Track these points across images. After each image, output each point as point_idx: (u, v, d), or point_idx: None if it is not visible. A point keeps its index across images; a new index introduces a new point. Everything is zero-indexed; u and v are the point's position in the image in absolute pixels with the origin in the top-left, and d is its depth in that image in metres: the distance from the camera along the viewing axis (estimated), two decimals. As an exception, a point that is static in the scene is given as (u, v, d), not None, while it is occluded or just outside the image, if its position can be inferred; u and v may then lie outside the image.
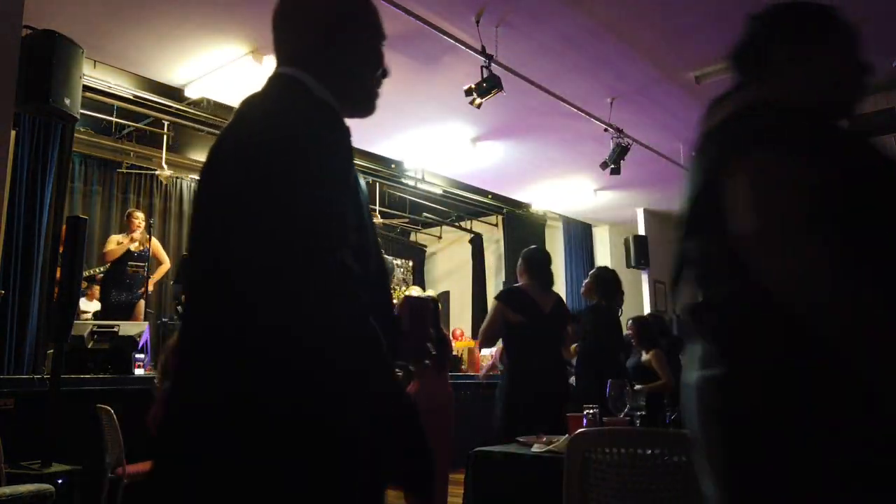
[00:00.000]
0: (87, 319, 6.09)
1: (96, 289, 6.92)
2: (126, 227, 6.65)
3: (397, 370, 4.73)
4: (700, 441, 1.10)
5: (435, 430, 4.30)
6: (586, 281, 4.66)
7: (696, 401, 1.08)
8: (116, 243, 6.46)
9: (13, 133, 4.45)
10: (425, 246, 12.42)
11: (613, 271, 4.71)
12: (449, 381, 4.63)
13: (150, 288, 6.84)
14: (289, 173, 0.99)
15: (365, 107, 1.40)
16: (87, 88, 5.61)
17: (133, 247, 6.50)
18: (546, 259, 3.87)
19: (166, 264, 6.96)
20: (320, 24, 1.24)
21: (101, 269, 6.90)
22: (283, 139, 1.03)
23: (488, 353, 8.77)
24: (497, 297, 3.71)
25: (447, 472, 4.37)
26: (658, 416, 2.62)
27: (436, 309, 4.83)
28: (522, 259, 3.85)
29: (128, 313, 6.31)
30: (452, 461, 4.29)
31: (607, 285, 4.47)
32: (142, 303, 6.52)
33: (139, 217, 6.64)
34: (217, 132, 6.58)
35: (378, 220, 9.78)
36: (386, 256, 10.38)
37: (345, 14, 1.27)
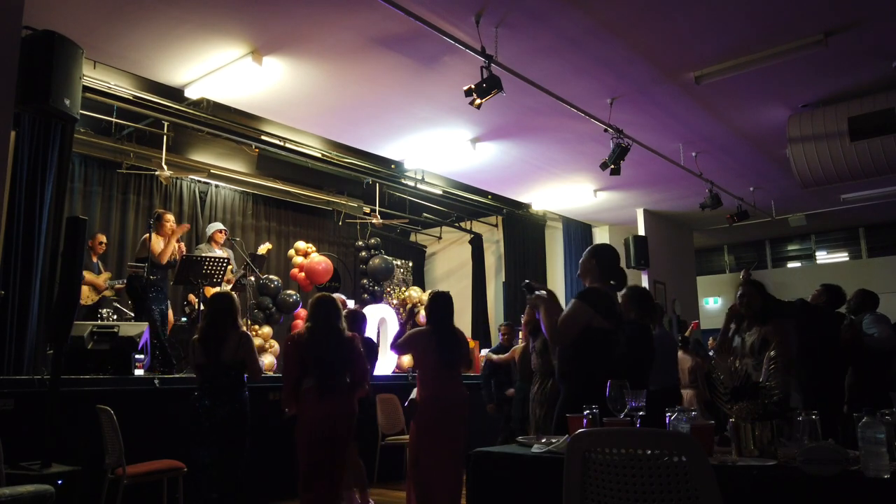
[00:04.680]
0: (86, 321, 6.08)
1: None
2: (156, 228, 6.34)
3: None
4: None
5: (450, 430, 4.28)
6: (622, 300, 4.18)
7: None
8: (164, 244, 6.31)
9: (13, 133, 4.45)
10: (425, 246, 12.43)
11: (644, 289, 4.47)
12: (462, 380, 4.61)
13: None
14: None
15: None
16: (86, 89, 5.62)
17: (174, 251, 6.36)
18: (617, 256, 3.51)
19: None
20: None
21: (120, 281, 6.85)
22: None
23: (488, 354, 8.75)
24: (583, 299, 3.25)
25: (462, 472, 4.29)
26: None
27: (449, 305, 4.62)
28: (591, 256, 3.43)
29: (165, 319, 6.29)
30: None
31: (643, 302, 4.26)
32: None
33: (171, 219, 6.51)
34: (217, 133, 6.63)
35: (378, 220, 9.80)
36: (386, 257, 10.35)
37: None
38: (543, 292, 3.38)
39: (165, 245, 6.29)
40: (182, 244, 6.58)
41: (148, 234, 6.30)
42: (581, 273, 3.46)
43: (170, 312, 6.48)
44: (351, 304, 8.81)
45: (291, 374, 3.97)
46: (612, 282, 3.38)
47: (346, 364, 4.04)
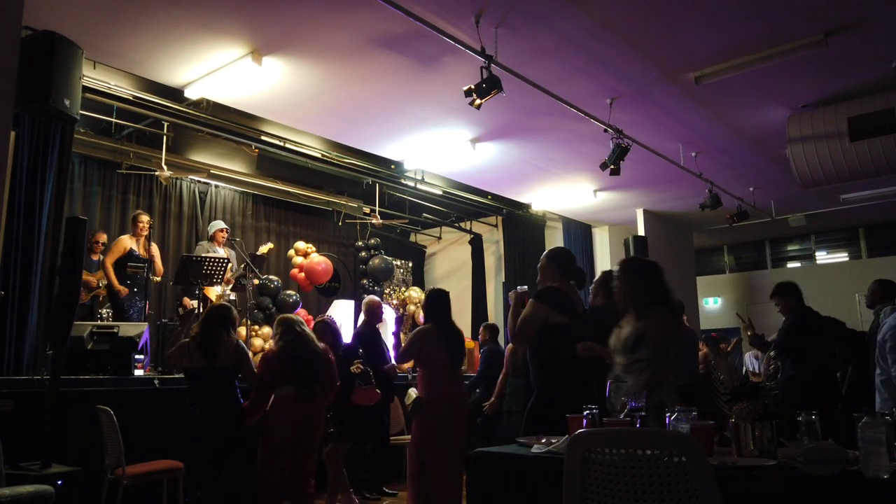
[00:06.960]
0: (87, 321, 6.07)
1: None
2: (131, 228, 6.66)
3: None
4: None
5: (458, 429, 4.24)
6: (592, 287, 4.34)
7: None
8: (137, 244, 6.57)
9: (13, 133, 4.45)
10: (425, 247, 12.42)
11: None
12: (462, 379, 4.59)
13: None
14: None
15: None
16: (86, 89, 5.61)
17: (135, 247, 6.53)
18: (573, 257, 3.76)
19: (160, 270, 6.91)
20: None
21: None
22: None
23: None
24: (538, 298, 3.49)
25: (462, 472, 4.26)
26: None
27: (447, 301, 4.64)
28: (549, 259, 3.66)
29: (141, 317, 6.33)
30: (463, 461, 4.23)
31: (608, 286, 4.23)
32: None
33: (144, 220, 6.63)
34: (217, 133, 6.67)
35: (378, 220, 9.80)
36: (386, 257, 10.30)
37: None
38: (523, 288, 3.72)
39: (138, 245, 6.53)
40: (154, 245, 6.79)
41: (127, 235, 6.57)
42: (540, 278, 3.70)
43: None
44: (348, 304, 8.82)
45: (265, 381, 4.24)
46: (571, 281, 3.65)
47: (318, 374, 4.29)
